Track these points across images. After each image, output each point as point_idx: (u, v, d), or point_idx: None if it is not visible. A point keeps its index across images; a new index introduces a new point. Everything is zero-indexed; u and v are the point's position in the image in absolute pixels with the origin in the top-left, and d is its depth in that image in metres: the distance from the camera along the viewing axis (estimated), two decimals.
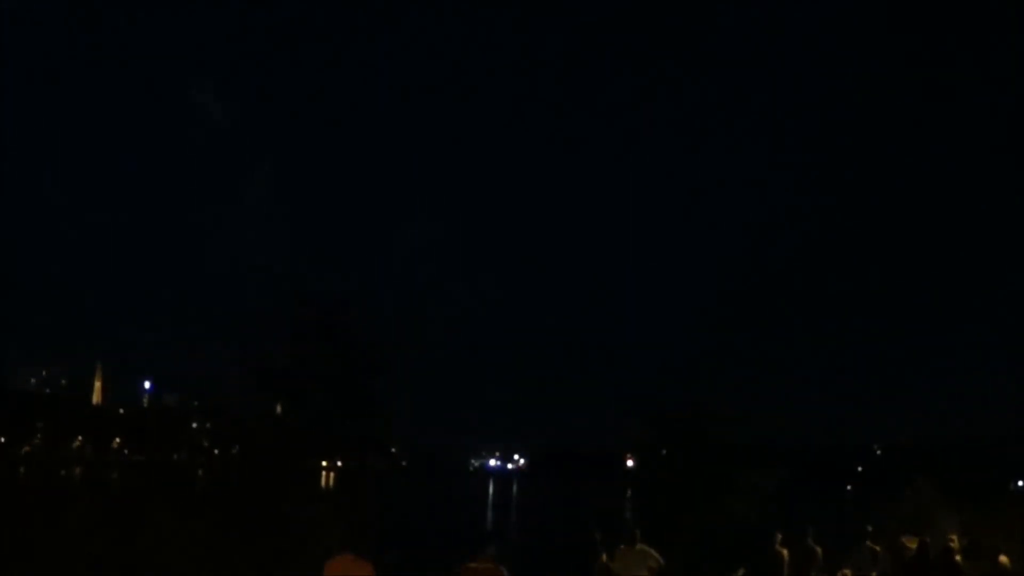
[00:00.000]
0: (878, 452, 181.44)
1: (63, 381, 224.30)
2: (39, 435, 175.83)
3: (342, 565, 9.50)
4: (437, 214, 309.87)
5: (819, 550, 17.06)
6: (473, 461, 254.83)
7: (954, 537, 17.58)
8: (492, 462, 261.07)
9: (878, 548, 17.47)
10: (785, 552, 16.78)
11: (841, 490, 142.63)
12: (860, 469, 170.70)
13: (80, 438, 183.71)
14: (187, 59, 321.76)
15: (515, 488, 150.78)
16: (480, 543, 11.10)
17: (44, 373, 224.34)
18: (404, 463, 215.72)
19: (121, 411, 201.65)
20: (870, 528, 17.87)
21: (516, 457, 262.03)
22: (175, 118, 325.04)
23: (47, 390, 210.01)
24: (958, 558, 16.11)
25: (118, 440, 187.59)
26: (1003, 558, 16.40)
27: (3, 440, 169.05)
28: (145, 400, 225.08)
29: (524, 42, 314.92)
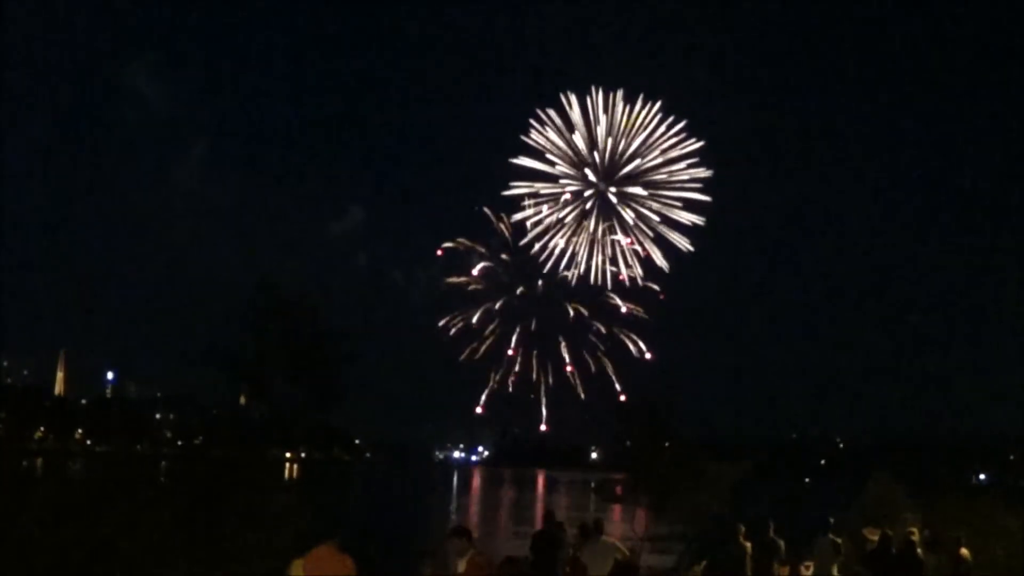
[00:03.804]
0: (840, 445, 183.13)
1: (24, 371, 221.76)
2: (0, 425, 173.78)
3: (322, 558, 9.27)
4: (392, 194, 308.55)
5: (781, 543, 17.14)
6: (437, 453, 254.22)
7: (915, 529, 17.75)
8: (456, 454, 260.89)
9: (839, 540, 17.59)
10: (748, 545, 16.86)
11: (800, 482, 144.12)
12: (823, 462, 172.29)
13: (42, 429, 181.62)
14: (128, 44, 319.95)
15: (477, 480, 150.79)
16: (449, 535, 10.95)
17: (5, 363, 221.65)
18: (368, 455, 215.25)
19: (84, 402, 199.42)
20: (832, 520, 17.95)
21: (480, 449, 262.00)
22: (121, 105, 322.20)
23: (8, 380, 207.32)
24: (919, 550, 16.27)
25: (80, 431, 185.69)
26: (964, 551, 16.60)
27: None
28: (108, 391, 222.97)
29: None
